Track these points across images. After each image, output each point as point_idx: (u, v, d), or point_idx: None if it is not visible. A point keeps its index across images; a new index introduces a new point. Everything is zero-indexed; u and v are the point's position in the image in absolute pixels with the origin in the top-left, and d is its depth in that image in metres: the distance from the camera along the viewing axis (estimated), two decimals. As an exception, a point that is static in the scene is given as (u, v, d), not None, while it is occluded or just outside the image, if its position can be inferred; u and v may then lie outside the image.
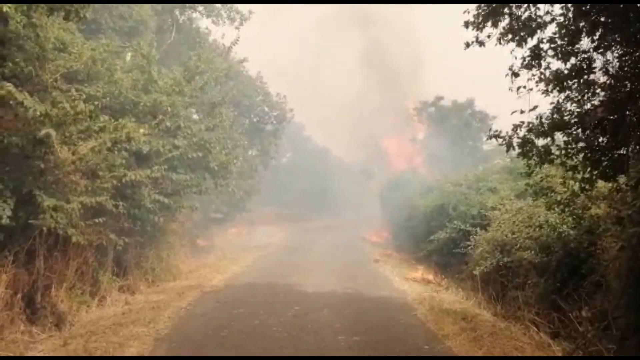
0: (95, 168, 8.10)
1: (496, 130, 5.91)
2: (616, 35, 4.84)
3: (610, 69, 5.11)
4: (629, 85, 4.92)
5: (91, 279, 8.42)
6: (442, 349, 6.14)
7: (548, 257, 7.81)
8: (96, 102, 7.67)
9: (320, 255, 17.71)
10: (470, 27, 5.90)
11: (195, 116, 13.23)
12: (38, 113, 6.08)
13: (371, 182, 29.69)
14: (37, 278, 6.90)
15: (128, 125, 8.29)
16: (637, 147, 4.95)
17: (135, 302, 8.53)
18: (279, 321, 7.43)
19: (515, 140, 5.66)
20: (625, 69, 4.96)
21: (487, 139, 6.02)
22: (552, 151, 5.71)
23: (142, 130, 8.46)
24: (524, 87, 5.49)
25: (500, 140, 5.87)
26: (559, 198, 6.73)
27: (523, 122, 5.53)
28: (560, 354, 6.14)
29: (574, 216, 7.32)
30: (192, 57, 11.10)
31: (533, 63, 5.47)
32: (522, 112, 5.48)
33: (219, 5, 17.17)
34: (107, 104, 8.68)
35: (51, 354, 5.68)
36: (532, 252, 8.01)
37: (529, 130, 5.57)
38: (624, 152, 5.16)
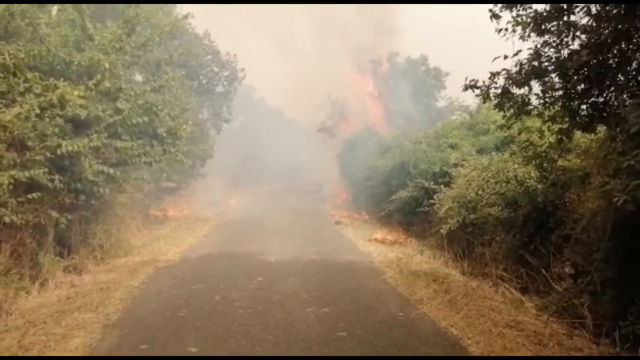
0: (24, 138, 7.19)
1: (472, 80, 5.46)
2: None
3: (593, 9, 4.72)
4: (612, 26, 4.55)
5: (30, 262, 7.59)
6: (417, 315, 5.85)
7: (515, 212, 7.70)
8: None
9: (279, 220, 17.26)
10: None
11: (139, 78, 12.18)
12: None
13: (330, 142, 29.06)
14: (-37, 266, 6.07)
15: (60, 86, 7.36)
16: (625, 93, 4.64)
17: (82, 284, 7.78)
18: (242, 295, 6.95)
19: (492, 91, 5.25)
20: (608, 8, 4.58)
21: (464, 90, 5.58)
22: (530, 100, 5.36)
23: (76, 93, 7.54)
24: (505, 29, 5.04)
25: (477, 90, 5.44)
26: (535, 151, 6.45)
27: (503, 70, 5.11)
28: (534, 311, 6.03)
29: (542, 169, 7.16)
30: (131, 7, 9.96)
31: None
32: (505, 57, 5.04)
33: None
34: (33, 65, 7.62)
35: (-19, 353, 4.95)
36: (499, 208, 7.87)
37: (508, 78, 5.16)
38: (604, 99, 4.86)
